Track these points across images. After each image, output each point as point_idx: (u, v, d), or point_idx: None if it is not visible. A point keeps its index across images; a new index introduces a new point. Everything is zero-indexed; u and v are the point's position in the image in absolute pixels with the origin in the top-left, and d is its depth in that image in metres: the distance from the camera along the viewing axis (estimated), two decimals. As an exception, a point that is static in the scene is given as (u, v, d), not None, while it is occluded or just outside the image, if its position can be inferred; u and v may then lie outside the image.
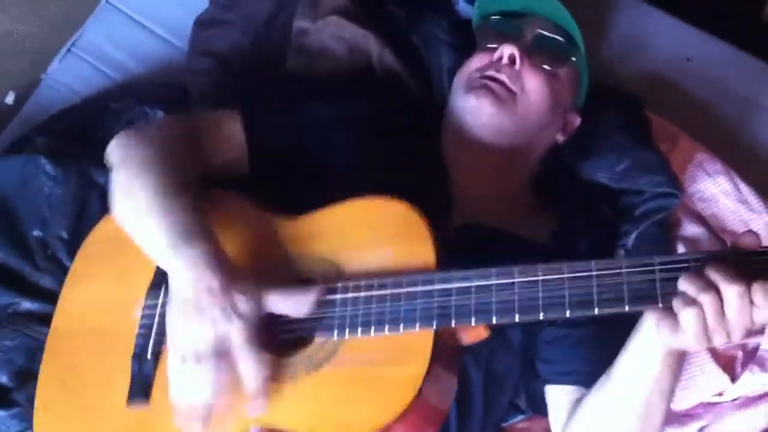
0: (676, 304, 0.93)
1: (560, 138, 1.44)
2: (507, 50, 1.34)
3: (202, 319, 1.04)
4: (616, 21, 1.75)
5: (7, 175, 1.48)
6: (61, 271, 1.40)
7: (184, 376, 1.05)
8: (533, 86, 1.34)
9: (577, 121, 1.45)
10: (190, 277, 1.06)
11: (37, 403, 1.20)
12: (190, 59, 1.64)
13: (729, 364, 1.43)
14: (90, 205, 1.46)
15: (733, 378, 1.42)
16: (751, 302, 0.91)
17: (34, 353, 1.34)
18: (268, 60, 1.61)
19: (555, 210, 1.40)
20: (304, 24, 1.58)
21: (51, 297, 1.33)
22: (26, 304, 1.40)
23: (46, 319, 1.29)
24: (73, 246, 1.39)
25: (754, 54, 1.73)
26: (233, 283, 1.06)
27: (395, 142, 1.35)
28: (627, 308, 0.96)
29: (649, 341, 1.04)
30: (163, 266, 1.11)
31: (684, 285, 0.93)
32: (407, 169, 1.30)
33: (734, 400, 1.43)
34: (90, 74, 1.72)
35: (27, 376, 1.35)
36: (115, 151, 1.23)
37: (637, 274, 0.97)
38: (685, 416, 1.43)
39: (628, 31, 1.74)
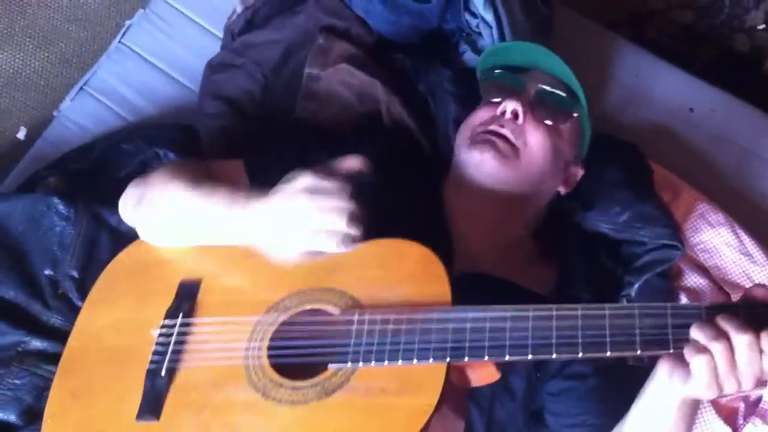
0: (688, 351, 0.96)
1: (562, 190, 1.46)
2: (510, 105, 1.37)
3: (318, 196, 1.09)
4: (618, 71, 1.78)
5: (19, 214, 1.49)
6: (71, 311, 1.41)
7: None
8: (536, 141, 1.37)
9: (580, 173, 1.48)
10: (277, 201, 1.11)
11: (46, 413, 1.21)
12: (201, 101, 1.66)
13: (730, 416, 1.44)
14: (100, 245, 1.48)
15: (735, 430, 1.43)
16: (761, 351, 0.94)
17: (42, 392, 1.35)
18: (277, 106, 1.63)
19: (556, 260, 1.42)
20: (314, 71, 1.60)
21: (61, 336, 1.34)
22: (36, 343, 1.40)
23: (55, 359, 1.29)
24: (83, 285, 1.41)
25: (755, 104, 1.76)
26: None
27: (399, 190, 1.38)
28: (639, 352, 0.99)
29: (663, 391, 1.06)
30: (237, 226, 1.16)
31: (696, 333, 0.96)
32: (410, 217, 1.33)
33: (736, 452, 1.44)
34: (101, 113, 1.74)
35: (35, 415, 1.35)
36: (130, 192, 1.31)
37: (649, 318, 0.99)
38: (687, 467, 1.44)
39: (630, 82, 1.77)
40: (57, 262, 1.46)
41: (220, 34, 1.75)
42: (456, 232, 1.36)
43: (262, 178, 1.33)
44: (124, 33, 1.81)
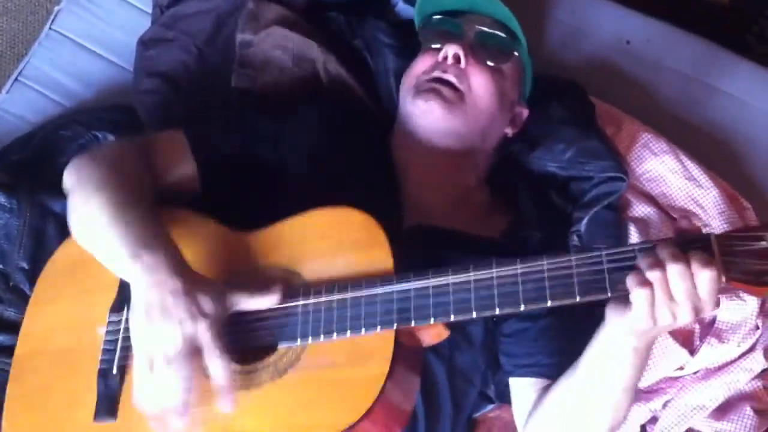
0: (630, 280, 0.97)
1: (509, 131, 1.46)
2: (451, 50, 1.36)
3: (168, 321, 1.06)
4: (555, 10, 1.78)
5: (-38, 211, 1.48)
6: (24, 302, 1.39)
7: (155, 379, 1.07)
8: (480, 83, 1.36)
9: (525, 113, 1.47)
10: (152, 281, 1.08)
11: (3, 422, 1.21)
12: (136, 79, 1.64)
13: (687, 339, 1.46)
14: (47, 233, 1.47)
15: (692, 351, 1.45)
16: (693, 279, 0.95)
17: (2, 385, 1.34)
18: (214, 76, 1.61)
19: (507, 206, 1.43)
20: (246, 37, 1.58)
21: (16, 328, 1.33)
22: (-7, 338, 1.40)
23: (12, 351, 1.29)
24: (34, 276, 1.40)
25: (693, 31, 1.77)
26: (195, 284, 1.08)
27: (343, 147, 1.37)
28: (578, 299, 1.01)
29: (613, 337, 1.07)
30: (125, 276, 1.13)
31: (639, 262, 0.98)
32: (356, 173, 1.33)
33: (695, 373, 1.46)
34: (39, 102, 1.71)
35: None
36: (68, 177, 1.25)
37: (586, 266, 1.01)
38: (650, 392, 1.46)
39: (567, 19, 1.76)
40: (5, 254, 1.46)
41: (150, 11, 1.72)
42: (407, 185, 1.35)
43: (205, 147, 1.33)
44: (54, 19, 1.77)
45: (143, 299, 1.08)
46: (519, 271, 1.04)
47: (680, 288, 0.95)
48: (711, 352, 1.44)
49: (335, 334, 1.08)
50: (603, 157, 1.48)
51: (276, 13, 1.61)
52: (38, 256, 1.44)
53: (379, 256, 1.12)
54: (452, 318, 1.06)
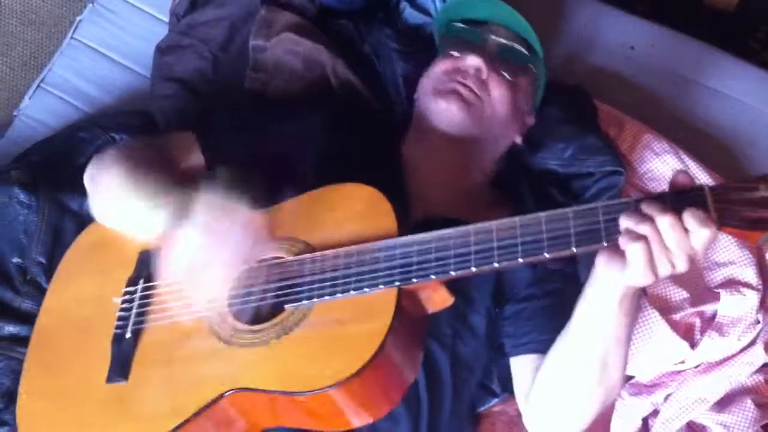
0: (622, 240, 1.00)
1: (518, 139, 1.49)
2: (473, 62, 1.39)
3: (220, 239, 1.12)
4: (560, 19, 1.82)
5: (-17, 209, 1.54)
6: (40, 294, 1.43)
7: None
8: (497, 95, 1.40)
9: (532, 121, 1.51)
10: (175, 224, 1.13)
11: (20, 389, 1.26)
12: (154, 85, 1.70)
13: (688, 332, 1.48)
14: (65, 229, 1.52)
15: (693, 345, 1.46)
16: (686, 230, 0.97)
17: (19, 375, 1.37)
18: (228, 81, 1.67)
19: (510, 201, 1.46)
20: (259, 42, 1.64)
21: (33, 320, 1.36)
22: (9, 328, 1.46)
23: (28, 341, 1.33)
24: (50, 270, 1.45)
25: (697, 38, 1.80)
26: (220, 214, 1.14)
27: (353, 149, 1.41)
28: (574, 249, 1.03)
29: (603, 284, 1.09)
30: (149, 231, 1.19)
31: (624, 221, 1.00)
32: (364, 170, 1.36)
33: (696, 366, 1.47)
34: (60, 108, 1.78)
35: (14, 397, 1.38)
36: (89, 170, 1.32)
37: (582, 218, 1.03)
38: (651, 386, 1.48)
39: (572, 27, 1.81)
40: (24, 249, 1.51)
41: (167, 19, 1.78)
42: (415, 183, 1.39)
43: (216, 151, 1.38)
44: (75, 28, 1.84)
45: (188, 228, 1.13)
46: (518, 223, 1.07)
47: (672, 238, 0.98)
48: (712, 346, 1.45)
49: (339, 294, 1.12)
50: (601, 152, 1.51)
51: (288, 19, 1.66)
52: (55, 252, 1.50)
53: (385, 223, 1.16)
54: (452, 274, 1.08)
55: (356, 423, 1.13)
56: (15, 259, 1.50)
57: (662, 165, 1.58)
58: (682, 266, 1.00)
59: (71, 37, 1.84)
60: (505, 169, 1.51)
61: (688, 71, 1.74)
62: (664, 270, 1.00)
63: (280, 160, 1.40)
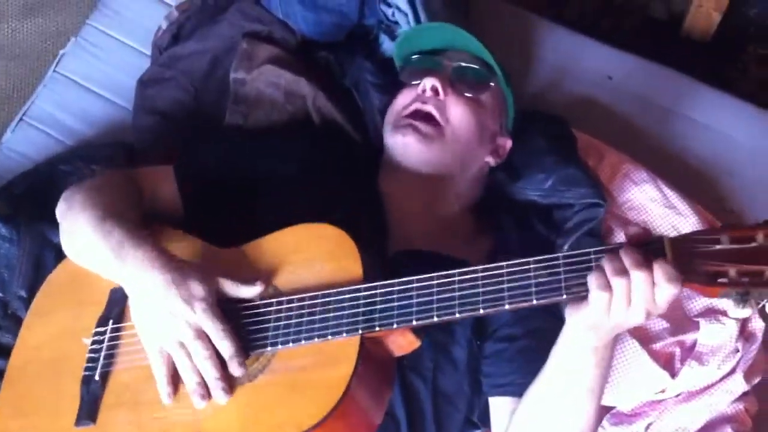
0: (591, 279, 1.01)
1: (491, 161, 1.50)
2: (429, 82, 1.42)
3: (167, 315, 1.13)
4: (539, 49, 1.84)
5: (-36, 241, 1.53)
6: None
7: (180, 364, 1.14)
8: (458, 113, 1.42)
9: (509, 144, 1.52)
10: (141, 278, 1.16)
11: None
12: (135, 118, 1.71)
13: (668, 362, 1.48)
14: (46, 262, 1.52)
15: (673, 374, 1.47)
16: (654, 284, 0.98)
17: None
18: (209, 114, 1.68)
19: (492, 230, 1.46)
20: (240, 75, 1.65)
21: (12, 354, 1.37)
22: (-11, 363, 1.44)
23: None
24: (31, 303, 1.43)
25: (676, 68, 1.82)
26: (183, 272, 1.15)
27: (332, 181, 1.42)
28: (535, 302, 1.04)
29: (573, 336, 1.10)
30: (118, 280, 1.21)
31: (605, 264, 1.01)
32: (341, 203, 1.37)
33: (677, 396, 1.48)
34: (42, 141, 1.78)
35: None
36: (60, 205, 1.34)
37: (543, 269, 1.04)
38: (632, 415, 1.48)
39: (550, 58, 1.83)
40: (4, 283, 1.51)
41: (149, 52, 1.79)
42: (393, 217, 1.40)
43: (192, 184, 1.39)
44: (58, 62, 1.85)
45: (140, 295, 1.17)
46: (480, 275, 1.08)
47: (640, 296, 0.99)
48: (692, 375, 1.46)
49: (303, 341, 1.12)
50: (582, 184, 1.52)
51: (269, 52, 1.68)
52: (36, 285, 1.47)
53: (350, 266, 1.16)
54: (414, 323, 1.09)
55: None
56: (-5, 294, 1.50)
57: (641, 194, 1.59)
58: (639, 319, 1.02)
59: (54, 71, 1.85)
60: (486, 197, 1.53)
61: (666, 101, 1.76)
62: (617, 317, 1.02)
63: (257, 194, 1.41)
